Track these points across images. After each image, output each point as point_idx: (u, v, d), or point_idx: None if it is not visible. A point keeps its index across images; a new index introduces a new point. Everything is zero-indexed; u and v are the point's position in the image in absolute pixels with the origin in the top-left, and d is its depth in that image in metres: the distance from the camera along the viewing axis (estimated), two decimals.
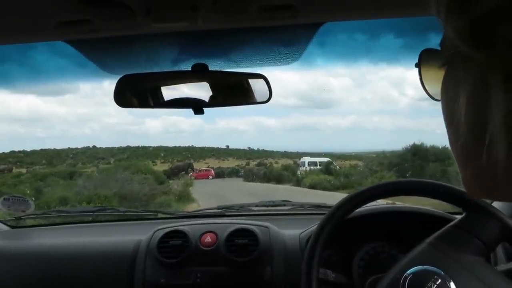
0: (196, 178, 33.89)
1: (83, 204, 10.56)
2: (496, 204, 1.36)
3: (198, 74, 1.16)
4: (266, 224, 1.50)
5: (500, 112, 0.34)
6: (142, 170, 19.68)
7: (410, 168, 17.39)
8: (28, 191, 13.81)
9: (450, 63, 0.41)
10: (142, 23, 0.92)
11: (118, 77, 1.16)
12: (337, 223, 1.10)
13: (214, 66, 1.20)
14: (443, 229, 0.97)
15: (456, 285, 0.85)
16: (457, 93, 0.39)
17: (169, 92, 1.23)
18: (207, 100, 1.22)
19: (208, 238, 1.43)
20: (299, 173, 29.33)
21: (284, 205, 1.92)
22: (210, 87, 1.22)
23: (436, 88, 0.46)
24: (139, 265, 1.42)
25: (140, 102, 1.27)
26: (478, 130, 0.37)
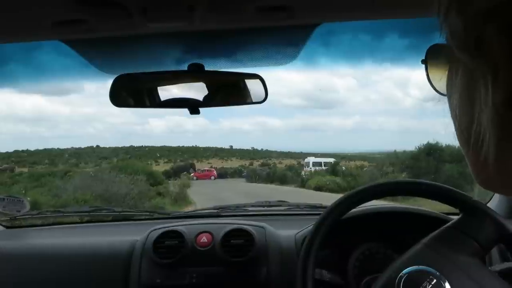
0: (197, 178, 33.29)
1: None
2: (492, 205, 1.37)
3: (194, 74, 1.17)
4: (262, 224, 1.50)
5: (488, 113, 0.35)
6: (139, 170, 18.93)
7: (424, 169, 16.10)
8: (23, 191, 13.42)
9: (450, 62, 0.43)
10: (138, 23, 0.92)
11: (114, 76, 1.16)
12: (333, 223, 1.10)
13: (210, 66, 1.20)
14: (439, 230, 0.97)
15: (451, 285, 0.86)
16: (451, 92, 0.41)
17: (165, 92, 1.23)
18: (203, 100, 1.22)
19: (204, 238, 1.43)
20: (303, 174, 28.61)
21: (280, 205, 1.92)
22: (206, 87, 1.22)
23: (442, 84, 0.47)
24: (135, 266, 1.41)
25: (136, 101, 1.27)
26: (468, 128, 0.38)
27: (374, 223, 1.33)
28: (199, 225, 1.50)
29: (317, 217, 1.13)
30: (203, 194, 17.08)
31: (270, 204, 1.93)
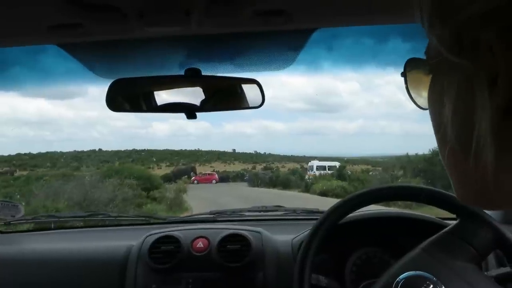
0: (199, 182, 33.19)
1: None
2: (488, 212, 1.38)
3: (191, 78, 1.16)
4: (258, 229, 1.50)
5: (487, 118, 0.34)
6: (135, 174, 18.40)
7: (439, 173, 14.68)
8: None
9: (435, 71, 0.42)
10: (135, 27, 0.92)
11: (111, 81, 1.16)
12: (330, 228, 1.10)
13: (207, 71, 1.19)
14: (436, 235, 0.97)
15: None
16: (442, 101, 0.40)
17: (161, 97, 1.22)
18: (199, 104, 1.22)
19: (200, 244, 1.42)
20: (307, 178, 28.06)
21: (277, 210, 1.92)
22: (203, 92, 1.22)
23: (422, 96, 0.46)
24: (130, 271, 1.40)
25: (133, 106, 1.27)
26: (465, 137, 0.37)
27: (371, 228, 1.33)
28: (195, 230, 1.49)
29: (314, 222, 1.13)
30: (202, 199, 16.62)
31: (266, 209, 1.92)
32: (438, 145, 0.44)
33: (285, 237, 1.46)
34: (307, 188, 22.42)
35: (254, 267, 1.39)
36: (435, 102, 0.42)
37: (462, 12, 0.34)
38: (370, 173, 27.72)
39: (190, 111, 1.19)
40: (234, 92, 1.23)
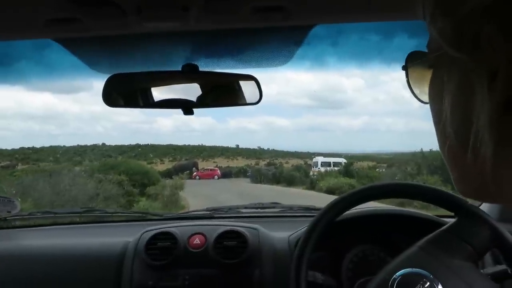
0: (200, 178, 32.61)
1: None
2: (486, 209, 1.38)
3: (188, 74, 1.16)
4: (255, 226, 1.50)
5: (486, 112, 0.34)
6: (132, 169, 17.52)
7: None
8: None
9: (436, 65, 0.42)
10: (133, 23, 0.91)
11: (108, 76, 1.15)
12: (327, 225, 1.10)
13: (205, 67, 1.19)
14: (434, 233, 0.98)
15: None
16: (442, 95, 0.40)
17: (159, 92, 1.22)
18: (196, 100, 1.21)
19: (196, 240, 1.42)
20: (312, 174, 27.19)
21: (274, 207, 1.92)
22: (200, 88, 1.22)
23: (423, 90, 0.46)
24: (127, 267, 1.40)
25: (129, 101, 1.26)
26: (463, 131, 0.37)
27: (368, 225, 1.33)
28: (192, 227, 1.49)
29: (311, 219, 1.13)
30: (201, 196, 15.94)
31: (263, 206, 1.93)
32: (438, 140, 0.44)
33: (282, 234, 1.47)
34: (312, 185, 21.38)
35: (251, 263, 1.39)
36: (435, 96, 0.42)
37: (463, 5, 0.34)
38: (377, 170, 26.77)
39: (187, 107, 1.19)
40: (232, 88, 1.23)
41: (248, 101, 1.23)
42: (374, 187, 1.17)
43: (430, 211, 1.47)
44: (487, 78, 0.34)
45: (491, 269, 1.04)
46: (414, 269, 0.90)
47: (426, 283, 0.87)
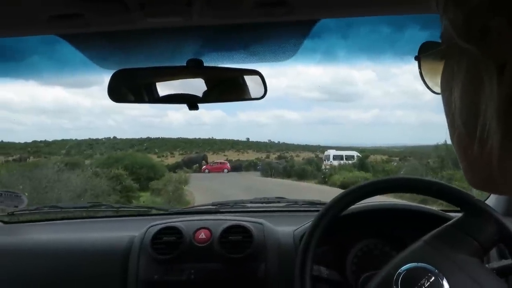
0: (210, 171, 32.04)
1: None
2: (490, 202, 1.37)
3: (192, 69, 1.16)
4: (260, 220, 1.50)
5: (493, 104, 0.34)
6: (138, 163, 16.99)
7: None
8: None
9: (447, 56, 0.42)
10: (136, 18, 0.91)
11: (112, 71, 1.15)
12: (331, 220, 1.10)
13: (209, 62, 1.19)
14: (440, 228, 0.97)
15: (449, 283, 0.86)
16: (451, 86, 0.40)
17: (163, 88, 1.22)
18: (201, 95, 1.21)
19: (202, 235, 1.43)
20: (324, 168, 26.27)
21: (279, 201, 1.92)
22: (205, 83, 1.22)
23: (435, 81, 0.46)
24: (133, 262, 1.41)
25: (134, 97, 1.26)
26: (472, 122, 0.37)
27: (372, 219, 1.33)
28: (198, 221, 1.50)
29: (316, 213, 1.13)
30: (209, 191, 15.05)
31: (268, 201, 1.93)
32: (449, 131, 0.44)
33: (287, 229, 1.47)
34: (325, 180, 20.11)
35: (256, 258, 1.39)
36: (446, 87, 0.42)
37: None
38: (392, 163, 26.00)
39: (191, 102, 1.19)
40: (236, 83, 1.23)
41: (253, 96, 1.23)
42: (379, 182, 1.16)
43: (435, 206, 1.46)
44: (496, 70, 0.34)
45: (496, 263, 1.04)
46: (419, 264, 0.90)
47: (431, 277, 0.87)
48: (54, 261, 1.47)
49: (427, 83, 0.49)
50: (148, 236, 1.43)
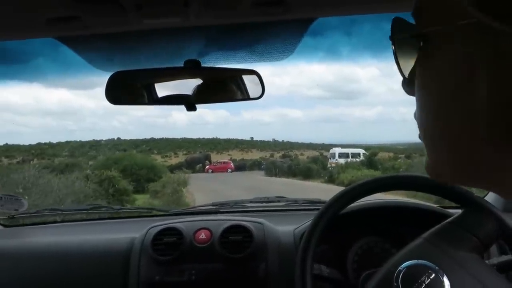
0: (213, 171, 31.84)
1: None
2: (489, 198, 1.38)
3: (190, 70, 1.16)
4: (260, 220, 1.50)
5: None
6: (137, 164, 16.79)
7: None
8: None
9: (446, 39, 0.34)
10: (133, 20, 0.91)
11: (110, 73, 1.15)
12: (331, 218, 1.10)
13: (207, 62, 1.19)
14: (440, 225, 0.97)
15: (449, 280, 0.86)
16: (471, 78, 0.32)
17: (161, 89, 1.22)
18: (199, 96, 1.21)
19: (202, 235, 1.43)
20: (329, 166, 25.83)
21: (279, 201, 1.92)
22: (203, 84, 1.22)
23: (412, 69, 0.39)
24: (134, 263, 1.41)
25: (132, 99, 1.27)
26: (504, 113, 0.31)
27: (372, 217, 1.33)
28: (198, 222, 1.50)
29: (316, 212, 1.13)
30: (210, 193, 14.34)
31: (268, 200, 1.93)
32: (428, 121, 0.38)
33: (287, 228, 1.47)
34: (331, 178, 19.57)
35: (257, 258, 1.40)
36: (450, 74, 0.34)
37: None
38: (400, 160, 25.52)
39: (189, 103, 1.19)
40: (234, 83, 1.23)
41: (251, 95, 1.23)
42: (378, 180, 1.17)
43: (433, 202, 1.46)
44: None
45: (496, 259, 1.04)
46: (419, 261, 0.90)
47: (431, 274, 0.87)
48: (55, 263, 1.47)
49: (403, 70, 0.41)
50: (149, 237, 1.43)
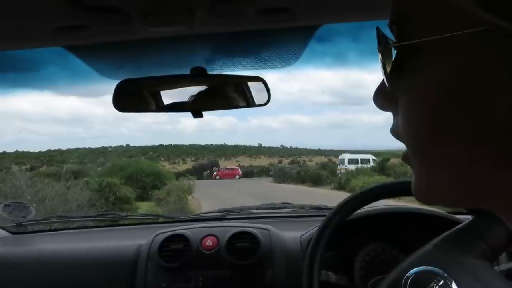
0: (221, 178, 32.14)
1: None
2: None
3: (196, 78, 1.17)
4: (267, 226, 1.50)
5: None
6: (142, 170, 16.73)
7: None
8: None
9: (445, 49, 0.30)
10: (139, 28, 0.92)
11: (117, 81, 1.16)
12: (338, 224, 1.10)
13: (213, 69, 1.20)
14: (449, 231, 0.96)
15: (458, 287, 0.85)
16: (492, 77, 0.28)
17: (167, 96, 1.23)
18: (206, 103, 1.22)
19: (209, 242, 1.43)
20: (339, 173, 25.35)
21: (285, 207, 1.92)
22: (209, 91, 1.22)
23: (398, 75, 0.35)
24: (141, 270, 1.41)
25: (139, 106, 1.28)
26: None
27: (380, 223, 1.32)
28: (204, 229, 1.50)
29: (323, 218, 1.13)
30: (217, 200, 14.04)
31: (275, 206, 1.93)
32: (427, 132, 0.34)
33: (294, 234, 1.47)
34: (341, 185, 19.11)
35: (263, 264, 1.39)
36: (463, 80, 0.30)
37: None
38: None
39: (196, 110, 1.20)
40: (240, 90, 1.23)
41: (257, 102, 1.24)
42: (385, 185, 1.16)
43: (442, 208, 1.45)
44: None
45: (505, 265, 1.03)
46: (428, 267, 0.89)
47: (440, 281, 0.86)
48: (62, 270, 1.47)
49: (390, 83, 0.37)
50: (155, 244, 1.43)
